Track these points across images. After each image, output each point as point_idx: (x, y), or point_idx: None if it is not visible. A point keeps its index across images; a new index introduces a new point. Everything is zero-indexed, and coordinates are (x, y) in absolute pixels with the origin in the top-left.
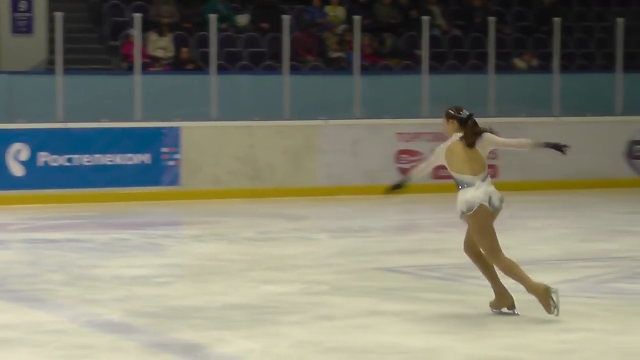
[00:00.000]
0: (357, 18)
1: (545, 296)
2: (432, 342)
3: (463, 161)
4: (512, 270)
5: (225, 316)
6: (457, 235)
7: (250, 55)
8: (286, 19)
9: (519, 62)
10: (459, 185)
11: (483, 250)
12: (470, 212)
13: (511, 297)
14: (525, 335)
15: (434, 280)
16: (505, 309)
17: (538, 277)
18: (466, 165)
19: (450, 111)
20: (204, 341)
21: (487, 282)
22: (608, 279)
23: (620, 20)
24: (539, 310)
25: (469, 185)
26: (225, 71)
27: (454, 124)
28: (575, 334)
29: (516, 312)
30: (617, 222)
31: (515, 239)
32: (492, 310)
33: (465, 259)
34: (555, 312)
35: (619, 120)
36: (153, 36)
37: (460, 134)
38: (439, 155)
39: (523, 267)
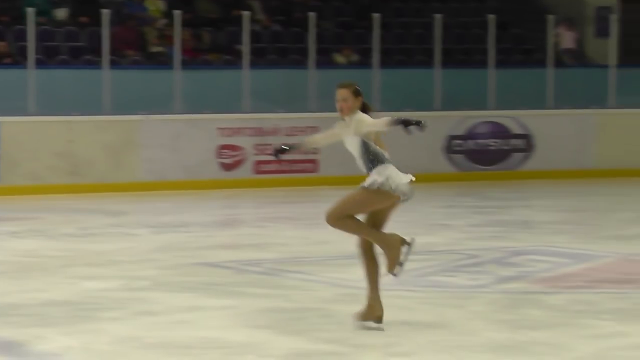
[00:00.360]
0: (177, 12)
1: (396, 251)
2: (253, 336)
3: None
4: (352, 227)
5: (44, 313)
6: (278, 230)
7: (69, 50)
8: (105, 13)
9: (338, 58)
10: (377, 160)
11: (337, 205)
12: (379, 188)
13: (381, 310)
14: (344, 328)
15: (255, 275)
16: (371, 322)
17: (359, 271)
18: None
19: (358, 87)
20: (23, 338)
21: (308, 277)
22: (427, 272)
23: (438, 17)
24: (357, 305)
25: (389, 161)
26: (43, 65)
27: (360, 100)
28: (394, 327)
29: (381, 327)
30: (436, 215)
31: (336, 234)
32: (356, 321)
33: (286, 254)
34: (397, 272)
35: (438, 116)
36: None
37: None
38: (340, 129)
39: (345, 261)
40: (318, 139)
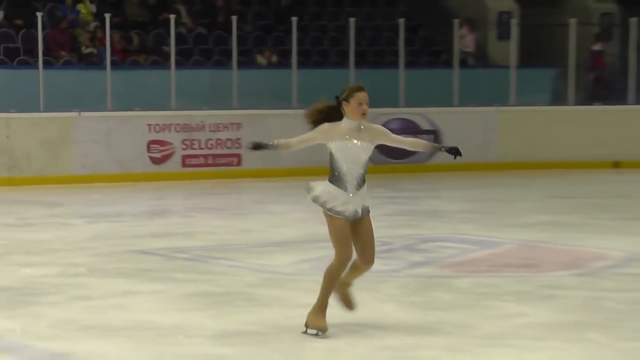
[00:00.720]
0: (107, 16)
1: (313, 323)
2: (183, 318)
3: None
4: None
5: None
6: (205, 220)
7: (4, 51)
8: (39, 15)
9: (260, 59)
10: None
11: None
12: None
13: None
14: (268, 311)
15: (184, 262)
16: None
17: (281, 258)
18: None
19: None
20: None
21: (233, 263)
22: None
23: (352, 20)
24: (278, 289)
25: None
26: None
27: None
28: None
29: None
30: None
31: (259, 223)
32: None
33: (212, 242)
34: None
35: None
36: None
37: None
38: (326, 134)
39: (267, 249)
40: (293, 143)
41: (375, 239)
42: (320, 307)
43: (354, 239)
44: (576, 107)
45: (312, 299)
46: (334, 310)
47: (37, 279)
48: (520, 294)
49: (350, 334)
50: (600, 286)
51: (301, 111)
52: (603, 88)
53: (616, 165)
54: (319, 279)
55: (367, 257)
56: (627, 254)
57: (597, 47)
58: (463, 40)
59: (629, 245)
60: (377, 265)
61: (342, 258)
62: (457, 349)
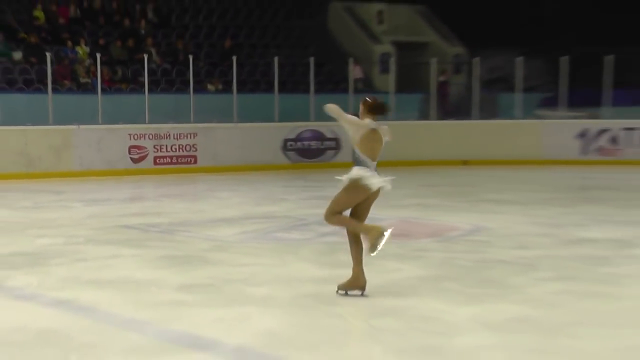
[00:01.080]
0: (98, 55)
1: (374, 238)
2: (154, 274)
3: (372, 146)
4: (342, 221)
5: (11, 261)
6: (171, 203)
7: (23, 81)
8: (48, 55)
9: (210, 86)
10: (356, 162)
11: (329, 206)
12: (350, 183)
13: (364, 280)
14: (216, 268)
15: (155, 233)
16: (355, 291)
17: (226, 230)
18: (369, 150)
19: (366, 99)
20: None
21: (191, 234)
22: (271, 230)
23: (276, 58)
24: (224, 253)
25: (364, 165)
26: (5, 91)
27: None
28: (248, 267)
29: (365, 294)
30: (277, 192)
31: (209, 205)
32: (338, 292)
33: (176, 219)
34: (374, 253)
35: (277, 126)
36: None
37: (373, 121)
38: (360, 126)
39: (216, 224)
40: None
41: (294, 216)
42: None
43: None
44: (436, 121)
45: (250, 260)
46: (261, 268)
47: (48, 247)
48: (398, 256)
49: (277, 284)
50: (454, 249)
51: (241, 125)
52: (446, 107)
53: (465, 163)
54: (255, 245)
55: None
56: (472, 226)
57: (441, 78)
58: (354, 71)
59: (475, 220)
60: (295, 234)
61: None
62: (354, 295)
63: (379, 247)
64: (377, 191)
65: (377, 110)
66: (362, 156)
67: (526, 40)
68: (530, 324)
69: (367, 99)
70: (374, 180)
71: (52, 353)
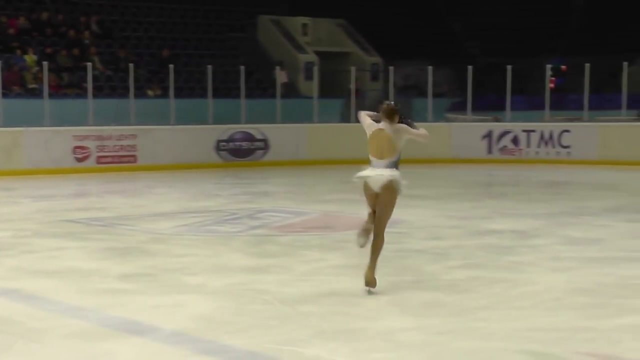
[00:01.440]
0: (45, 63)
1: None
2: (98, 265)
3: (378, 145)
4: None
5: None
6: (112, 199)
7: None
8: None
9: (149, 92)
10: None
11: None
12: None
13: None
14: (155, 259)
15: (98, 227)
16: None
17: (164, 223)
18: (375, 149)
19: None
20: None
21: (131, 227)
22: (205, 223)
23: (209, 67)
24: (162, 244)
25: (370, 165)
26: None
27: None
28: (184, 258)
29: (372, 291)
30: (211, 189)
31: (148, 201)
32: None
33: (117, 213)
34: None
35: (211, 127)
36: None
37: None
38: (367, 129)
39: (154, 218)
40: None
41: (226, 210)
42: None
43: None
44: (356, 124)
45: (186, 251)
46: (196, 259)
47: None
48: (321, 246)
49: (211, 273)
50: None
51: (177, 127)
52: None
53: None
54: (190, 237)
55: None
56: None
57: (353, 86)
58: (280, 76)
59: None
60: (227, 227)
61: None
62: (281, 283)
63: (359, 241)
64: (383, 188)
65: (387, 114)
66: (370, 156)
67: (436, 52)
68: (444, 308)
69: (383, 104)
70: (362, 173)
71: (0, 339)
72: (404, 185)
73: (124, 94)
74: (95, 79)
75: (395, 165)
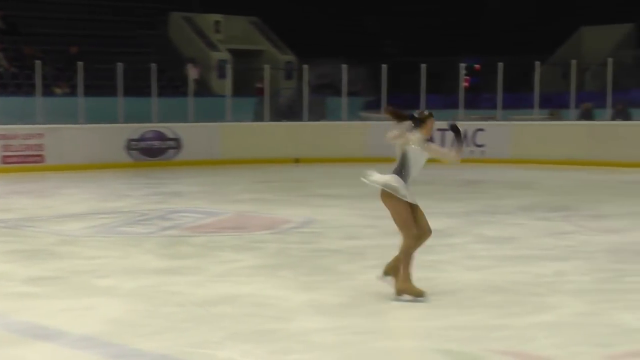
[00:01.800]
0: None
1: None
2: (3, 268)
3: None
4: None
5: None
6: (18, 200)
7: None
8: None
9: (57, 90)
10: None
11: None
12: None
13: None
14: (64, 261)
15: (3, 229)
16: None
17: (73, 225)
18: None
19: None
20: None
21: (38, 229)
22: (116, 224)
23: (119, 65)
24: (71, 246)
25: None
26: None
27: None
28: (95, 260)
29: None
30: (122, 189)
31: (56, 201)
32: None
33: (24, 214)
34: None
35: (121, 126)
36: None
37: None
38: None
39: (62, 219)
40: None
41: (137, 211)
42: (407, 277)
43: (416, 219)
44: (270, 122)
45: (96, 253)
46: (107, 260)
47: None
48: (235, 247)
49: (122, 275)
50: (288, 240)
51: (86, 126)
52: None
53: (296, 161)
54: (101, 238)
55: (429, 227)
56: (304, 219)
57: (259, 84)
58: (191, 72)
59: (306, 213)
60: (138, 228)
61: (414, 234)
62: (194, 284)
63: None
64: (381, 195)
65: (396, 119)
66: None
67: (350, 50)
68: (359, 308)
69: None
70: (371, 178)
71: None
72: (399, 188)
73: (30, 91)
74: (0, 76)
75: (399, 169)
